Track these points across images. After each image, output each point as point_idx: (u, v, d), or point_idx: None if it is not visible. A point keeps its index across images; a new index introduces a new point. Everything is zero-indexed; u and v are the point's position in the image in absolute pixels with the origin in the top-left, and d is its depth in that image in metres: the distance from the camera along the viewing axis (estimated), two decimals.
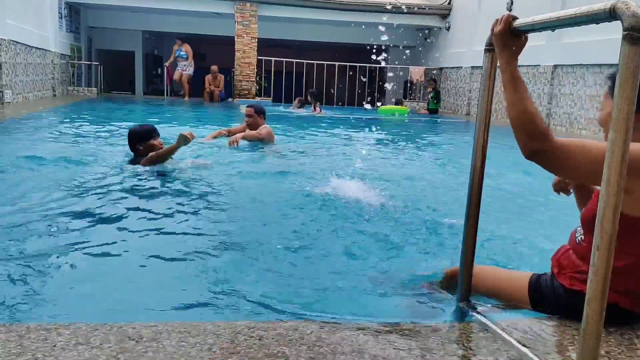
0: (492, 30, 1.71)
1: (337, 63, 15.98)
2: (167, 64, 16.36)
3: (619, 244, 1.40)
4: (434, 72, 16.44)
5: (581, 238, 1.82)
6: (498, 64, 1.70)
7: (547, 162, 1.60)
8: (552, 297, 1.80)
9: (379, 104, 14.73)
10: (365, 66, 15.98)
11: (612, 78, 1.74)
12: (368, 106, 14.97)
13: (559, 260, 1.86)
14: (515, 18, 1.65)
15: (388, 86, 13.79)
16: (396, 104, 15.37)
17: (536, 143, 1.57)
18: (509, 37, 1.65)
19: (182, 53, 15.68)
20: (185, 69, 15.74)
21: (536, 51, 10.37)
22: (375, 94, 17.26)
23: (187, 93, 15.85)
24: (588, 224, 1.78)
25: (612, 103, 1.67)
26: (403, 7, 14.29)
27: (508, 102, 1.64)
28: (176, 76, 15.94)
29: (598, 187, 1.73)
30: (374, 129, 9.35)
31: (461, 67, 14.85)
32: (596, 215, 1.61)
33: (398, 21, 15.12)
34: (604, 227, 1.23)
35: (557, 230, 2.59)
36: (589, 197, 1.90)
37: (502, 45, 1.66)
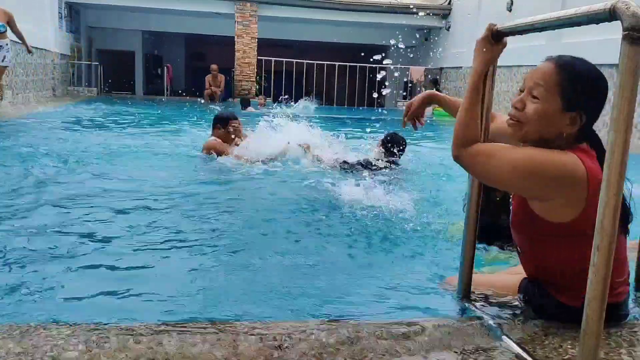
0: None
1: (337, 63, 15.98)
2: None
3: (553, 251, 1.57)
4: (435, 72, 16.44)
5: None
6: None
7: (465, 167, 1.74)
8: (540, 308, 1.75)
9: (434, 106, 14.50)
10: (365, 66, 15.98)
11: (571, 80, 1.64)
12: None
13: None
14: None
15: (385, 91, 13.71)
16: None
17: (455, 149, 1.71)
18: (489, 43, 1.71)
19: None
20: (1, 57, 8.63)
21: (536, 51, 10.35)
22: (376, 93, 17.24)
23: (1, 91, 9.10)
24: (521, 231, 1.77)
25: (559, 106, 1.60)
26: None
27: (464, 103, 1.73)
28: None
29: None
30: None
31: (461, 67, 14.84)
32: (523, 219, 1.67)
33: (398, 21, 15.12)
34: (604, 227, 1.23)
35: None
36: None
37: (481, 51, 1.72)
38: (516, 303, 1.84)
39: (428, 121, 13.22)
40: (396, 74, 15.89)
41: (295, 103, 12.88)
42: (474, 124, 1.71)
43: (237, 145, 5.17)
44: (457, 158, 1.74)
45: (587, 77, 1.60)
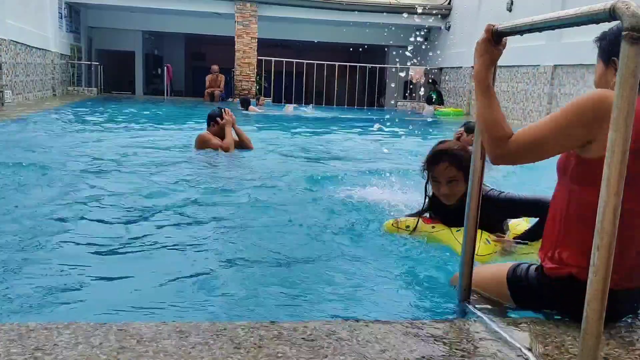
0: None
1: (337, 63, 15.98)
2: None
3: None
4: (434, 71, 16.43)
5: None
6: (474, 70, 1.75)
7: (512, 163, 1.74)
8: (528, 289, 1.79)
9: (438, 107, 14.61)
10: (366, 66, 15.98)
11: (602, 39, 1.78)
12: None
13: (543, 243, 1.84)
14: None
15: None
16: (428, 101, 15.27)
17: (496, 150, 1.67)
18: (490, 45, 1.70)
19: None
20: None
21: (536, 51, 10.36)
22: (376, 94, 17.28)
23: None
24: (559, 169, 1.78)
25: (602, 66, 1.74)
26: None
27: (480, 106, 1.71)
28: None
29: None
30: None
31: (461, 67, 14.84)
32: (566, 162, 1.69)
33: (398, 21, 15.12)
34: (604, 227, 1.23)
35: None
36: None
37: (482, 52, 1.72)
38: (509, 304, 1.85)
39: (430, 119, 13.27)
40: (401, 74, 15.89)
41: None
42: (500, 120, 1.68)
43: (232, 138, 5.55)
44: (501, 158, 1.68)
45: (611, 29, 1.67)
